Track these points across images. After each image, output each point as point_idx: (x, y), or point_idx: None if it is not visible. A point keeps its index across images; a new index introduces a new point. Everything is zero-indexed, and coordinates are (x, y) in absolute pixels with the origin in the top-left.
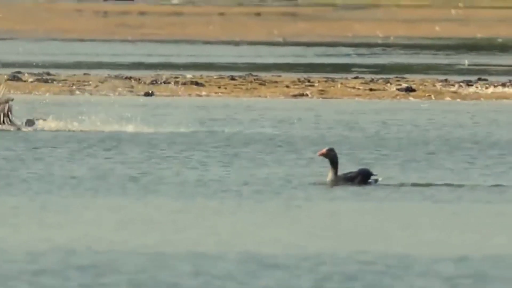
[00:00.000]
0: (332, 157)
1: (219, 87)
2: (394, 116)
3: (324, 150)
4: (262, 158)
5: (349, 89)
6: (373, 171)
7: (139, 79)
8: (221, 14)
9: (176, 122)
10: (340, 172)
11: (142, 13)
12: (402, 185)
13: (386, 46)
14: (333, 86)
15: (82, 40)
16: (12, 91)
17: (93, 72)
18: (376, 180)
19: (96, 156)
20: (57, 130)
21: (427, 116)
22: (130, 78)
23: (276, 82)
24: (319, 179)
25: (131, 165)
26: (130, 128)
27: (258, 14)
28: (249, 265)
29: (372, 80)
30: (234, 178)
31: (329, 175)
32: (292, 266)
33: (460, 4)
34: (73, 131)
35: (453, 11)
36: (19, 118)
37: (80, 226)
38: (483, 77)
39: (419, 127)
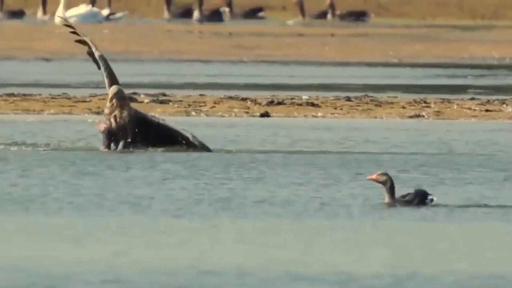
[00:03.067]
0: (383, 182)
1: (335, 108)
2: (502, 136)
3: (374, 175)
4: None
5: (465, 110)
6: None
7: (255, 100)
8: (336, 35)
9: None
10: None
11: (257, 34)
12: (460, 205)
13: (502, 67)
14: (449, 107)
15: (197, 61)
16: None
17: (208, 93)
18: (431, 200)
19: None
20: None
21: None
22: (246, 99)
23: (392, 103)
24: (378, 201)
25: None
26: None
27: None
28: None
29: (488, 101)
30: (307, 199)
31: (386, 198)
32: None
33: None
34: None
35: None
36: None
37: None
38: None
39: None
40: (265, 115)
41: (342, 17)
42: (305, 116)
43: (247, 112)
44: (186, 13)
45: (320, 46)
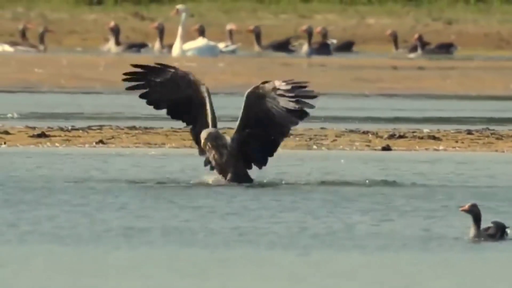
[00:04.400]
0: (475, 213)
1: (456, 142)
2: None
3: (466, 206)
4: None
5: None
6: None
7: (376, 133)
8: (457, 68)
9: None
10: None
11: (378, 68)
12: None
13: None
14: None
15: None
16: None
17: (329, 126)
18: (507, 233)
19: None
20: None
21: None
22: (367, 132)
23: None
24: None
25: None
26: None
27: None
28: None
29: None
30: (386, 232)
31: (471, 231)
32: None
33: None
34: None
35: None
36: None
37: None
38: None
39: None
40: (386, 148)
41: (432, 50)
42: (426, 149)
43: (368, 146)
44: (280, 47)
45: (441, 79)
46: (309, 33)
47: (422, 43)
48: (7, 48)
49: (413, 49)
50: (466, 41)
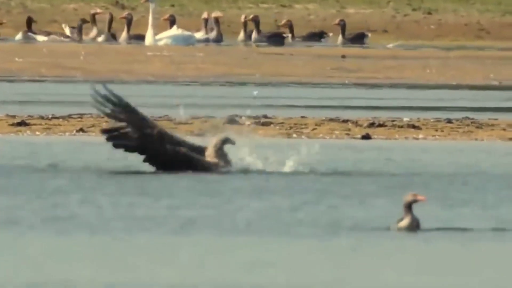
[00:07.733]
0: (409, 203)
1: (436, 130)
2: None
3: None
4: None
5: None
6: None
7: (356, 122)
8: (438, 57)
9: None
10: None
11: (359, 57)
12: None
13: None
14: None
15: (298, 83)
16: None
17: (310, 114)
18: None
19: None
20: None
21: None
22: (347, 121)
23: (492, 125)
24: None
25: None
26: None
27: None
28: None
29: None
30: (325, 220)
31: (407, 220)
32: None
33: None
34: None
35: None
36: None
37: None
38: None
39: None
40: (366, 137)
41: (303, 38)
42: (406, 138)
43: (348, 134)
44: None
45: (421, 69)
46: (290, 26)
47: (292, 32)
48: None
49: (275, 36)
50: (446, 31)
